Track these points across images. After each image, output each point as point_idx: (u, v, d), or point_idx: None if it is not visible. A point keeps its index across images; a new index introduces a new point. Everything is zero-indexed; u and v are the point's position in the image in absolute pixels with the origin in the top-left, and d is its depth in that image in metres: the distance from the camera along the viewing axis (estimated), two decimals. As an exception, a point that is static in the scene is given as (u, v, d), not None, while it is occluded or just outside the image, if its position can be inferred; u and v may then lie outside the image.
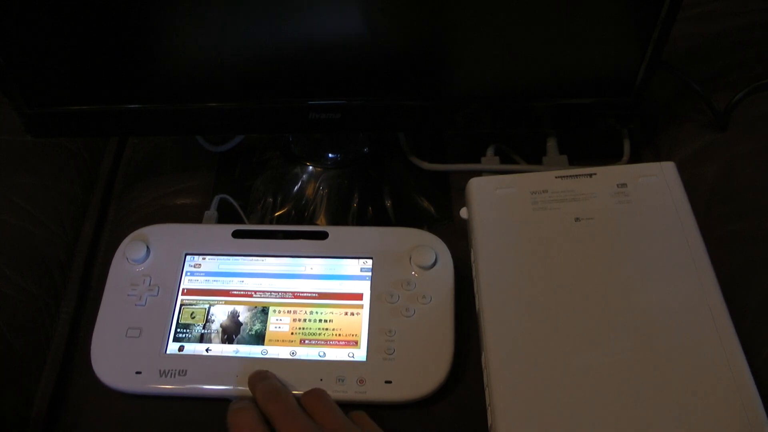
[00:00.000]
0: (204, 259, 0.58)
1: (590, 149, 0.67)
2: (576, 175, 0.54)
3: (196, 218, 0.65)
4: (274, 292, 0.56)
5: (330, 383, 0.52)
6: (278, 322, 0.55)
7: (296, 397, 0.52)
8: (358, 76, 0.56)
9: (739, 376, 0.44)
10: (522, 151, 0.67)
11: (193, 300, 0.56)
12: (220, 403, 0.53)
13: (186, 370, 0.53)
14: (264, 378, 0.51)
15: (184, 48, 0.54)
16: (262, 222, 0.65)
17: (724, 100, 0.63)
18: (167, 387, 0.52)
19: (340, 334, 0.54)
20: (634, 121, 0.60)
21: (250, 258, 0.58)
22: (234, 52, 0.54)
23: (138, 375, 0.53)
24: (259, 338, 0.54)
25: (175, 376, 0.52)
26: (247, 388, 0.52)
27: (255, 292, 0.56)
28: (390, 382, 0.52)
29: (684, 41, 0.70)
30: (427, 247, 0.56)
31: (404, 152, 0.67)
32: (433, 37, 0.53)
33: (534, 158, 0.66)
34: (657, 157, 0.66)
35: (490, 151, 0.67)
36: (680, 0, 0.51)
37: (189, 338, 0.54)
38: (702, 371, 0.45)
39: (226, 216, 0.65)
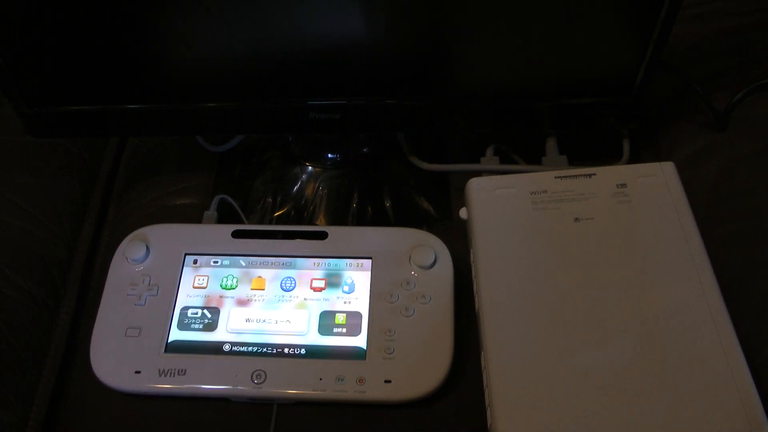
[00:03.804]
0: (203, 258, 0.58)
1: (590, 149, 0.67)
2: (576, 176, 0.54)
3: (196, 218, 0.65)
4: (274, 292, 0.56)
5: (329, 383, 0.52)
6: (277, 322, 0.55)
7: (293, 398, 0.52)
8: (358, 76, 0.56)
9: (739, 376, 0.44)
10: (522, 151, 0.67)
11: (192, 300, 0.56)
12: (219, 402, 0.53)
13: (185, 370, 0.53)
14: None
15: (184, 48, 0.54)
16: (261, 222, 0.65)
17: (724, 100, 0.63)
18: (167, 387, 0.52)
19: (339, 334, 0.54)
20: (634, 121, 0.60)
21: (250, 258, 0.58)
22: (234, 52, 0.54)
23: (137, 374, 0.53)
24: (257, 338, 0.54)
25: (174, 376, 0.52)
26: (245, 388, 0.52)
27: (254, 291, 0.56)
28: (389, 381, 0.52)
29: (684, 41, 0.70)
30: (426, 247, 0.56)
31: (404, 152, 0.67)
32: (433, 38, 0.53)
33: (534, 158, 0.66)
34: (657, 157, 0.66)
35: (489, 151, 0.67)
36: (680, 0, 0.51)
37: (188, 338, 0.54)
38: (702, 371, 0.45)
39: (225, 216, 0.65)
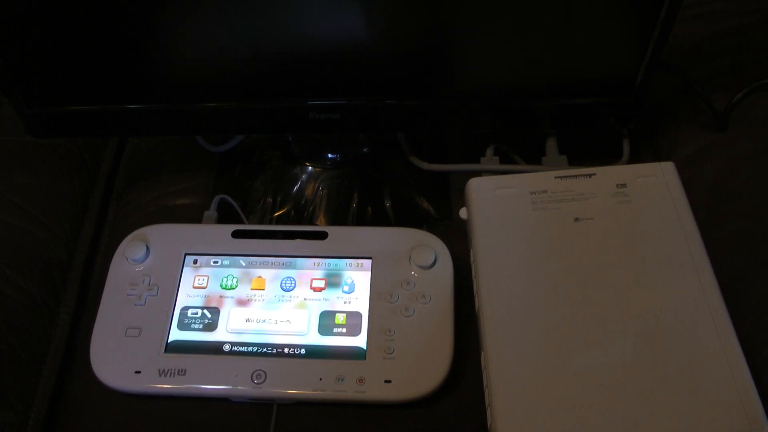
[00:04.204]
0: (203, 258, 0.58)
1: (590, 149, 0.67)
2: (576, 176, 0.54)
3: (196, 218, 0.65)
4: (274, 292, 0.56)
5: (329, 383, 0.52)
6: (277, 322, 0.55)
7: (293, 398, 0.52)
8: (358, 76, 0.56)
9: (739, 376, 0.44)
10: (522, 151, 0.67)
11: (192, 300, 0.56)
12: (219, 402, 0.53)
13: (185, 370, 0.53)
14: None
15: (184, 48, 0.54)
16: (261, 222, 0.65)
17: (724, 100, 0.63)
18: (166, 387, 0.52)
19: (339, 334, 0.54)
20: (634, 121, 0.60)
21: (250, 258, 0.58)
22: (234, 52, 0.54)
23: (137, 375, 0.53)
24: (257, 338, 0.54)
25: (174, 376, 0.52)
26: (245, 388, 0.52)
27: (254, 291, 0.56)
28: (389, 381, 0.51)
29: (684, 41, 0.70)
30: (426, 247, 0.56)
31: (404, 152, 0.67)
32: (433, 38, 0.53)
33: (534, 158, 0.66)
34: (657, 157, 0.66)
35: (489, 151, 0.67)
36: (680, 0, 0.51)
37: (188, 338, 0.54)
38: (702, 371, 0.45)
39: (225, 216, 0.65)
